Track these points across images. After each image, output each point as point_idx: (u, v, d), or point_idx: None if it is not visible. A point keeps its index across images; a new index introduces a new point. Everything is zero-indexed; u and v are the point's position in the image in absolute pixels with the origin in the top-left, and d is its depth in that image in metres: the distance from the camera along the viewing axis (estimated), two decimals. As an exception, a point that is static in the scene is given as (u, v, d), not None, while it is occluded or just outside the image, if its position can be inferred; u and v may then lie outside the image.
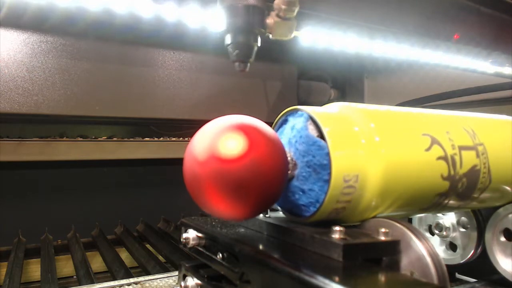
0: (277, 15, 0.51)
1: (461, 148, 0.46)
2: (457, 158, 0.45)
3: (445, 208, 0.48)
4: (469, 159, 0.47)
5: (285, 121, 0.46)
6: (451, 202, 0.47)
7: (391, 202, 0.42)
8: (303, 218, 0.43)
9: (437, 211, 0.58)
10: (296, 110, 0.44)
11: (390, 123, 0.44)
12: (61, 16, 0.92)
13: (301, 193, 0.42)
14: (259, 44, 0.52)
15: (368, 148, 0.40)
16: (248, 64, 0.53)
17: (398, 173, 0.41)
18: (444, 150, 0.45)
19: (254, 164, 0.36)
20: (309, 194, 0.41)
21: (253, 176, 0.36)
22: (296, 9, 0.50)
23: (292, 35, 0.53)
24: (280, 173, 0.38)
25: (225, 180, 0.35)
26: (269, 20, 0.51)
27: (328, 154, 0.39)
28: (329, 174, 0.39)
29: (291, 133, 0.43)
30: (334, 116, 0.43)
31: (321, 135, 0.40)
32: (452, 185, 0.45)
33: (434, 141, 0.44)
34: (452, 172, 0.45)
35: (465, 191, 0.47)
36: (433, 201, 0.45)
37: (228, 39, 0.52)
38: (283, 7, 0.50)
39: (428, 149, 0.43)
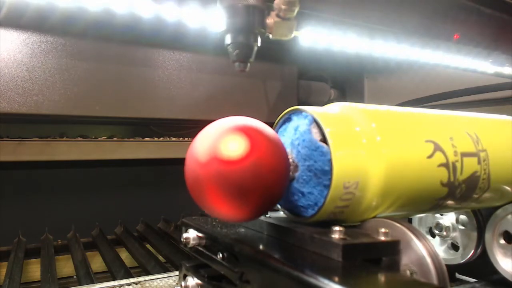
0: (277, 15, 0.51)
1: (463, 154, 0.46)
2: (458, 165, 0.45)
3: (445, 208, 0.48)
4: (470, 166, 0.47)
5: (287, 120, 0.45)
6: (451, 202, 0.47)
7: (391, 202, 0.42)
8: (303, 218, 0.43)
9: (437, 211, 0.58)
10: (300, 111, 0.44)
11: (391, 123, 0.44)
12: (61, 16, 0.92)
13: (300, 195, 0.42)
14: (259, 44, 0.52)
15: (369, 148, 0.40)
16: (248, 64, 0.53)
17: (399, 173, 0.41)
18: (446, 157, 0.44)
19: (256, 166, 0.36)
20: (308, 196, 0.42)
21: (254, 177, 0.36)
22: (296, 9, 0.50)
23: (292, 35, 0.53)
24: (282, 175, 0.38)
25: (227, 181, 0.35)
26: (269, 20, 0.51)
27: (330, 160, 0.39)
28: (330, 179, 0.39)
29: (294, 135, 0.43)
30: (336, 116, 0.43)
31: (324, 139, 0.40)
32: (450, 190, 0.45)
33: (437, 148, 0.44)
34: (452, 179, 0.45)
35: (464, 194, 0.47)
36: (433, 201, 0.45)
37: (228, 39, 0.52)
38: (283, 7, 0.50)
39: (430, 156, 0.43)
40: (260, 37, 0.52)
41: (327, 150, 0.39)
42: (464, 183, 0.46)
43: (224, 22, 0.51)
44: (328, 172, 0.39)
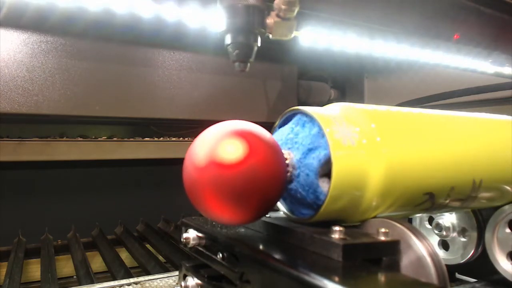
0: (277, 15, 0.51)
1: (453, 200, 0.47)
2: (440, 206, 0.47)
3: (445, 208, 0.48)
4: (452, 206, 0.48)
5: (306, 115, 0.44)
6: (451, 202, 0.47)
7: (391, 202, 0.42)
8: (302, 218, 0.43)
9: (437, 211, 0.58)
10: (322, 131, 0.41)
11: (391, 123, 0.44)
12: (61, 16, 0.92)
13: (288, 201, 0.44)
14: (259, 44, 0.52)
15: (369, 148, 0.40)
16: (248, 64, 0.53)
17: (399, 173, 0.41)
18: (433, 204, 0.45)
19: (253, 170, 0.36)
20: (293, 206, 0.44)
21: (252, 181, 0.36)
22: (296, 9, 0.50)
23: (292, 35, 0.53)
24: (279, 178, 0.38)
25: (224, 185, 0.36)
26: (269, 20, 0.51)
27: (319, 207, 0.40)
28: (313, 215, 0.41)
29: (306, 155, 0.41)
30: (336, 117, 0.43)
31: (329, 174, 0.39)
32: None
33: (430, 199, 0.44)
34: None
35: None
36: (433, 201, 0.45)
37: (228, 39, 0.51)
38: (283, 7, 0.50)
39: (418, 205, 0.44)
40: (260, 37, 0.52)
41: (322, 198, 0.39)
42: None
43: (224, 22, 0.51)
44: (314, 210, 0.41)
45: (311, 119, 0.42)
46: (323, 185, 0.39)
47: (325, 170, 0.40)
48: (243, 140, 0.36)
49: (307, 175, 0.40)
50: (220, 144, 0.36)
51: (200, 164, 0.37)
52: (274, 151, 0.38)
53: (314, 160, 0.40)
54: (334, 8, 0.63)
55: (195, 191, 0.37)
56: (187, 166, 0.38)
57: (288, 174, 0.41)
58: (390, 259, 0.36)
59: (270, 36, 0.52)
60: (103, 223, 1.37)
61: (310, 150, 0.41)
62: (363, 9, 0.66)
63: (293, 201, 0.43)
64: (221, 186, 0.36)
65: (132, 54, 1.11)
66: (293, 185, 0.42)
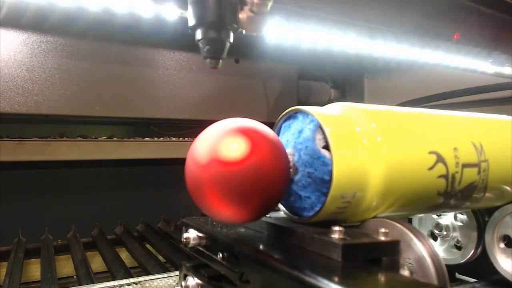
0: (250, 10, 0.49)
1: (465, 165, 0.46)
2: (457, 176, 0.45)
3: (446, 209, 0.48)
4: (469, 176, 0.47)
5: (292, 117, 0.45)
6: (451, 202, 0.47)
7: (391, 202, 0.42)
8: (303, 218, 0.43)
9: (437, 211, 0.58)
10: (305, 113, 0.43)
11: (392, 123, 0.44)
12: (61, 16, 0.92)
13: (298, 197, 0.43)
14: (231, 40, 0.50)
15: (369, 148, 0.40)
16: (220, 61, 0.50)
17: (399, 173, 0.41)
18: (447, 169, 0.44)
19: (256, 167, 0.36)
20: (306, 200, 0.42)
21: (255, 179, 0.36)
22: (270, 3, 0.49)
23: (263, 31, 0.51)
24: (282, 176, 0.38)
25: (227, 183, 0.35)
26: (242, 15, 0.49)
27: (330, 171, 0.39)
28: (328, 189, 0.39)
29: (297, 138, 0.42)
30: (336, 117, 0.43)
31: (328, 146, 0.39)
32: (445, 199, 0.46)
33: (439, 160, 0.44)
34: (449, 189, 0.45)
35: (458, 201, 0.47)
36: (433, 201, 0.45)
37: (198, 35, 0.49)
38: (256, 1, 0.48)
39: (431, 168, 0.43)
40: (233, 32, 0.50)
41: (328, 161, 0.39)
42: (460, 192, 0.46)
43: (194, 16, 0.49)
44: (328, 182, 0.39)
45: (294, 116, 0.44)
46: (325, 153, 0.40)
47: (322, 140, 0.40)
48: (246, 137, 0.36)
49: (306, 147, 0.41)
50: (222, 141, 0.36)
51: (202, 162, 0.36)
52: (277, 148, 0.38)
53: (307, 132, 0.41)
54: (334, 8, 0.63)
55: (197, 189, 0.37)
56: (189, 164, 0.38)
57: (291, 164, 0.41)
58: (390, 259, 0.36)
59: (244, 31, 0.50)
60: (103, 223, 1.37)
61: (300, 131, 0.42)
62: (363, 9, 0.66)
63: (304, 192, 0.42)
64: (224, 183, 0.36)
65: (132, 54, 1.11)
66: (298, 176, 0.42)
